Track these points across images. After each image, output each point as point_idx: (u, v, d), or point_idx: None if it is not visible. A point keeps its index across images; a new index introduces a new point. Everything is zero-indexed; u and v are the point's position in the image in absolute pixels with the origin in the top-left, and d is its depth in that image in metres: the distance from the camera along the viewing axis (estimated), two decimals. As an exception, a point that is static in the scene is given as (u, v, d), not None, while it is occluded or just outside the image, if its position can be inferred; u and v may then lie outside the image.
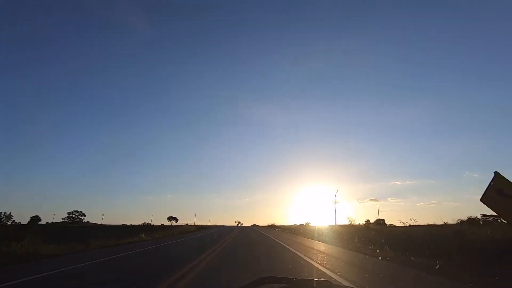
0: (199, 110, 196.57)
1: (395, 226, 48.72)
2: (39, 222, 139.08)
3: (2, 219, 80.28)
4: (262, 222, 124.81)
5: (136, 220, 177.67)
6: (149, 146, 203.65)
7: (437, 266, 7.13)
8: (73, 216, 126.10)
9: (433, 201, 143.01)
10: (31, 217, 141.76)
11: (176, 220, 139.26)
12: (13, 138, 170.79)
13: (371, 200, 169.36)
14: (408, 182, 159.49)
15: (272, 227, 75.61)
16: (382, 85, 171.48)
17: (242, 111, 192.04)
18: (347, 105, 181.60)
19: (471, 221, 39.64)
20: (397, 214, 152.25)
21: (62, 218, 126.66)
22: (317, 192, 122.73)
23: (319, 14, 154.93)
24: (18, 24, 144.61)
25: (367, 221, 62.93)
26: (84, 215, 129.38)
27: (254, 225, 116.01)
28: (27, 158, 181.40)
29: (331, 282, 1.60)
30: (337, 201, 48.41)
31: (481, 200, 9.07)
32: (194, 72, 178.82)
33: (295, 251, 12.78)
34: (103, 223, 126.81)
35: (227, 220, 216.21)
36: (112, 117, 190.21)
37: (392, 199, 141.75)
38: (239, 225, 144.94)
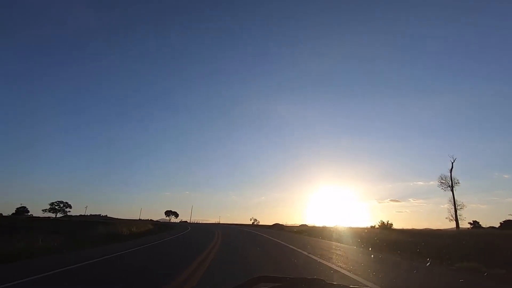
0: (215, 107, 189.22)
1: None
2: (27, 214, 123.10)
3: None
4: (277, 220, 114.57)
5: (155, 215, 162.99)
6: (166, 144, 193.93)
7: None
8: (56, 207, 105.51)
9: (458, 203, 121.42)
10: (17, 208, 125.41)
11: (176, 215, 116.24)
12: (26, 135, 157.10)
13: (391, 200, 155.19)
14: (432, 183, 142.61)
15: (277, 227, 50.52)
16: (404, 79, 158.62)
17: (258, 108, 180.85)
18: (366, 101, 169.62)
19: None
20: (419, 216, 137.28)
21: (43, 210, 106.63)
22: (335, 192, 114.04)
23: (338, 7, 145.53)
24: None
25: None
26: (70, 206, 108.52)
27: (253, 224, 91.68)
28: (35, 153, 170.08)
29: (324, 281, 1.54)
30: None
31: None
32: (208, 68, 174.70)
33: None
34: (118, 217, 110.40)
35: (243, 218, 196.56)
36: (127, 116, 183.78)
37: (414, 200, 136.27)
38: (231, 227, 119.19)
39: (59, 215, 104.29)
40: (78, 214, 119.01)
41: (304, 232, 32.21)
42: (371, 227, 39.54)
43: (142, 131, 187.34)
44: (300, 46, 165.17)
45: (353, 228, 33.69)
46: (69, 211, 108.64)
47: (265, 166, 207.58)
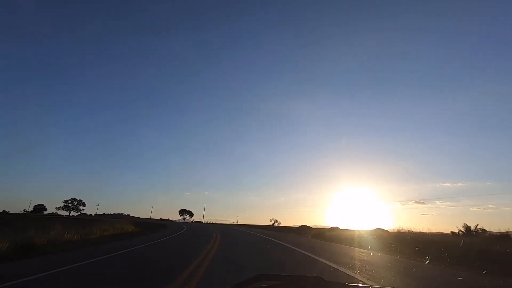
0: (234, 107, 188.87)
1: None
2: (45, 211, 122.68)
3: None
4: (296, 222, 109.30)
5: (172, 214, 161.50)
6: (185, 144, 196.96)
7: None
8: (70, 205, 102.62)
9: (490, 206, 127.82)
10: (35, 206, 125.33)
11: (191, 214, 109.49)
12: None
13: (416, 202, 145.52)
14: (460, 184, 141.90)
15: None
16: (430, 76, 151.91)
17: (277, 108, 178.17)
18: (390, 100, 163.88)
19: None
20: (446, 219, 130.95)
21: (56, 208, 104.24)
22: (357, 193, 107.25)
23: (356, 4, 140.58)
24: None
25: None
26: (84, 204, 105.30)
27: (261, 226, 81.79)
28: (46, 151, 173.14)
29: (323, 278, 1.53)
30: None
31: None
32: (227, 68, 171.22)
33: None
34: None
35: (262, 218, 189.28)
36: (146, 116, 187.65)
37: (440, 202, 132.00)
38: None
39: (72, 213, 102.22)
40: (101, 213, 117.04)
41: (343, 239, 22.68)
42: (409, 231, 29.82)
43: (162, 132, 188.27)
44: (317, 45, 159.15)
45: (398, 232, 25.90)
46: (83, 209, 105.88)
47: (284, 167, 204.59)
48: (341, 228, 54.51)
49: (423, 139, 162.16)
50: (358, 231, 34.06)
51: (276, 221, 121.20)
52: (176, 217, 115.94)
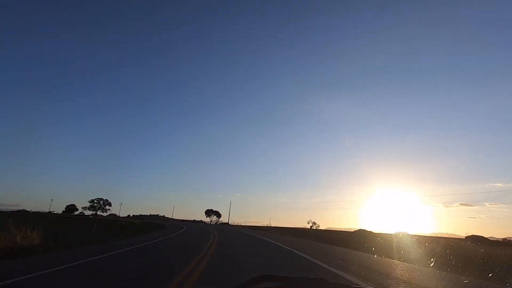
0: (266, 108, 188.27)
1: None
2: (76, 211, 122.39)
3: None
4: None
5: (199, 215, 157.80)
6: (217, 146, 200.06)
7: None
8: (95, 205, 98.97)
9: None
10: (67, 206, 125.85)
11: (218, 215, 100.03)
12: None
13: (461, 204, 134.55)
14: None
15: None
16: (478, 67, 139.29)
17: (309, 107, 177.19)
18: (431, 94, 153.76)
19: None
20: (498, 222, 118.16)
21: (83, 207, 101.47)
22: (394, 194, 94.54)
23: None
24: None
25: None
26: (110, 204, 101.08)
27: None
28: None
29: (326, 280, 1.54)
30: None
31: None
32: (256, 69, 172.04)
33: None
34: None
35: (296, 221, 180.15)
36: (180, 118, 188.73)
37: (490, 204, 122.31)
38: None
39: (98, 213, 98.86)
40: (134, 215, 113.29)
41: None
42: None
43: (196, 134, 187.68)
44: (351, 42, 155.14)
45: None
46: (109, 209, 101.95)
47: (317, 167, 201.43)
48: (375, 231, 43.64)
49: (470, 134, 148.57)
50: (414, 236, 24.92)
51: (314, 223, 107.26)
52: (202, 217, 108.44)
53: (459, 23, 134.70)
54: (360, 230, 51.86)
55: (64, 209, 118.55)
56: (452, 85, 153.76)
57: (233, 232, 29.33)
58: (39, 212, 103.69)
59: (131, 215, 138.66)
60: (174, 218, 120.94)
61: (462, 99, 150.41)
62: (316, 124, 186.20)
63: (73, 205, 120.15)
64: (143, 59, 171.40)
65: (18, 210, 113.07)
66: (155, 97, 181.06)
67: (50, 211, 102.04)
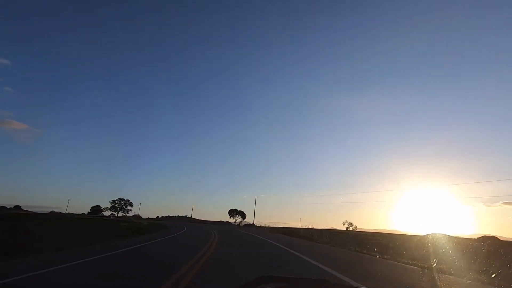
0: (289, 107, 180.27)
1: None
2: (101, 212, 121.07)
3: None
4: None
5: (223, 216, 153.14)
6: (240, 146, 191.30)
7: None
8: (116, 205, 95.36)
9: None
10: (92, 207, 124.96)
11: (243, 215, 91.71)
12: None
13: (505, 203, 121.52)
14: None
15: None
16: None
17: (332, 104, 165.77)
18: (467, 86, 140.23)
19: None
20: None
21: (104, 208, 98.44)
22: (427, 192, 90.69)
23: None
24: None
25: None
26: (131, 205, 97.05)
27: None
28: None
29: (328, 281, 1.56)
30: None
31: None
32: (281, 68, 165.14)
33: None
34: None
35: (326, 221, 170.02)
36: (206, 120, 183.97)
37: None
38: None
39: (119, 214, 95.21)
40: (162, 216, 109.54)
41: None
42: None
43: (219, 134, 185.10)
44: (373, 32, 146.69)
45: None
46: (130, 210, 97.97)
47: (345, 166, 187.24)
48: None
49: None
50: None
51: (351, 224, 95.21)
52: (226, 217, 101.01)
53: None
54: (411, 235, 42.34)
55: (89, 210, 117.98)
56: (492, 76, 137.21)
57: (253, 242, 20.64)
58: (63, 213, 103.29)
59: (159, 216, 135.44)
60: (203, 219, 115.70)
61: (503, 90, 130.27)
62: (345, 122, 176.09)
63: (98, 206, 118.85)
64: (161, 57, 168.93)
65: (51, 212, 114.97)
66: (179, 97, 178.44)
67: (71, 213, 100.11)
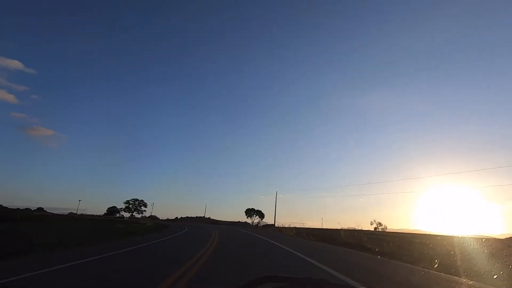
0: (310, 106, 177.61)
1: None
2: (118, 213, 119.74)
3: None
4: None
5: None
6: (259, 144, 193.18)
7: None
8: (131, 206, 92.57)
9: None
10: (108, 208, 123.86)
11: (261, 215, 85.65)
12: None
13: None
14: None
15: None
16: None
17: (350, 101, 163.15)
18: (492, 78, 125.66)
19: None
20: None
21: (119, 208, 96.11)
22: (454, 190, 77.40)
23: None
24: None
25: None
26: (145, 205, 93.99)
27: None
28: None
29: (328, 280, 1.55)
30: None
31: None
32: (304, 65, 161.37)
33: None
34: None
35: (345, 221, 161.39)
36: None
37: None
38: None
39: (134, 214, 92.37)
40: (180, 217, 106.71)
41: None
42: None
43: (235, 134, 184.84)
44: (399, 18, 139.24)
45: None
46: (145, 210, 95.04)
47: (364, 164, 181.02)
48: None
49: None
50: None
51: (379, 224, 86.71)
52: (242, 218, 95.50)
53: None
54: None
55: (106, 211, 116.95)
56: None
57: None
58: (80, 214, 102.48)
59: (178, 217, 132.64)
60: (219, 219, 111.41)
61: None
62: (368, 119, 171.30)
63: (114, 207, 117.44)
64: (175, 58, 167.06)
65: (70, 213, 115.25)
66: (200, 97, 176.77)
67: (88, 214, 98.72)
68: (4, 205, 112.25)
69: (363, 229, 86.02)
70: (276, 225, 50.35)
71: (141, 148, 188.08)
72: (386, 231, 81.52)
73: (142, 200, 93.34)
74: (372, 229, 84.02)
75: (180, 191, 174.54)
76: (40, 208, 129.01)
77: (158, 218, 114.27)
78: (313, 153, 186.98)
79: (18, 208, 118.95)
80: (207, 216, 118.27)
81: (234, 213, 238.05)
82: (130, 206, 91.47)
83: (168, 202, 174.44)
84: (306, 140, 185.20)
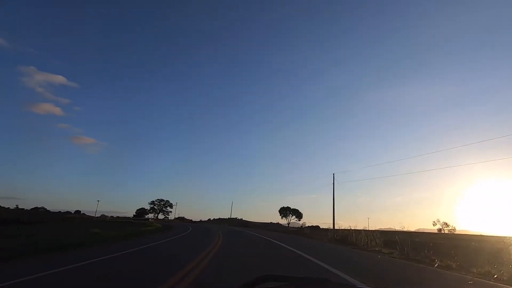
0: (333, 103, 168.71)
1: None
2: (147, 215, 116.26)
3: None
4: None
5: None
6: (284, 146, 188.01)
7: None
8: (156, 207, 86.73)
9: None
10: (137, 210, 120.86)
11: (299, 215, 74.32)
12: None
13: None
14: None
15: None
16: None
17: (378, 95, 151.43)
18: None
19: None
20: None
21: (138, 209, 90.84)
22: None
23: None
24: None
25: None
26: (171, 206, 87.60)
27: None
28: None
29: (330, 280, 1.52)
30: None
31: None
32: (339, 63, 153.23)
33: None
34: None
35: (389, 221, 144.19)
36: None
37: None
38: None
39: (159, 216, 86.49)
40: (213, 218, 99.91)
41: None
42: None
43: (271, 134, 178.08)
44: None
45: None
46: (170, 211, 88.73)
47: (399, 162, 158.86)
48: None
49: None
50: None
51: (446, 224, 70.78)
52: (276, 218, 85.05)
53: None
54: None
55: (135, 213, 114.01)
56: None
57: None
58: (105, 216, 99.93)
59: (211, 219, 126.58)
60: (252, 220, 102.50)
61: None
62: (393, 114, 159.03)
63: (143, 208, 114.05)
64: (213, 58, 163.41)
65: (102, 215, 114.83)
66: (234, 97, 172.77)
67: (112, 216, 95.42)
68: (48, 208, 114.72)
69: (427, 230, 70.84)
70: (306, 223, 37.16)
71: (170, 150, 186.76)
72: (455, 233, 65.83)
73: (167, 201, 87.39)
74: (436, 231, 68.87)
75: (210, 191, 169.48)
76: (78, 211, 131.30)
77: (185, 219, 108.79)
78: (344, 154, 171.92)
79: (60, 211, 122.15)
80: (239, 217, 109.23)
81: (267, 213, 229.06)
82: (155, 207, 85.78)
83: (197, 203, 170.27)
84: (342, 139, 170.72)
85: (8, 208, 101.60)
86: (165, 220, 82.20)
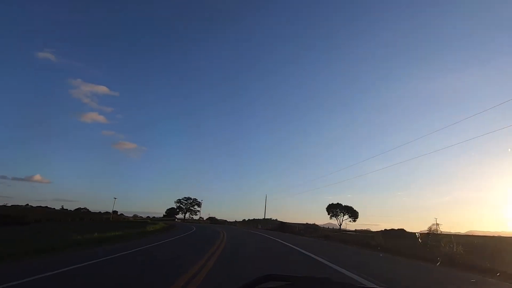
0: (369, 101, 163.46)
1: None
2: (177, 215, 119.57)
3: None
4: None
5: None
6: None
7: None
8: (182, 205, 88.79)
9: None
10: (167, 209, 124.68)
11: (353, 213, 70.77)
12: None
13: None
14: None
15: None
16: None
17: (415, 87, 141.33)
18: None
19: None
20: None
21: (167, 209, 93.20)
22: None
23: None
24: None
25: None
26: (198, 204, 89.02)
27: None
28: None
29: (331, 279, 1.47)
30: None
31: None
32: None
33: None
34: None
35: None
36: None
37: None
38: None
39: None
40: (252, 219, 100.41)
41: None
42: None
43: (308, 133, 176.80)
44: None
45: None
46: (199, 210, 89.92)
47: (445, 159, 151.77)
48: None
49: None
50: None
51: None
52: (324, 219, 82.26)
53: None
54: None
55: (165, 213, 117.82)
56: None
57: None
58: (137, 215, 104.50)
59: (246, 219, 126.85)
60: (293, 222, 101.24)
61: None
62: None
63: (173, 208, 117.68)
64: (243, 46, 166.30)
65: (134, 215, 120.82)
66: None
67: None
68: (90, 209, 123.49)
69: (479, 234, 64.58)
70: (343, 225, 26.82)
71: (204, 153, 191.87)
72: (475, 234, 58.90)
73: (195, 199, 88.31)
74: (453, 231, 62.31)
75: (245, 190, 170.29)
76: (115, 211, 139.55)
77: (216, 219, 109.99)
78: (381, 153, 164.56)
79: (100, 212, 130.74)
80: (273, 218, 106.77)
81: (310, 213, 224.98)
82: (181, 205, 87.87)
83: (235, 203, 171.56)
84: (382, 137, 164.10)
85: (54, 209, 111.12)
86: (189, 220, 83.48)
